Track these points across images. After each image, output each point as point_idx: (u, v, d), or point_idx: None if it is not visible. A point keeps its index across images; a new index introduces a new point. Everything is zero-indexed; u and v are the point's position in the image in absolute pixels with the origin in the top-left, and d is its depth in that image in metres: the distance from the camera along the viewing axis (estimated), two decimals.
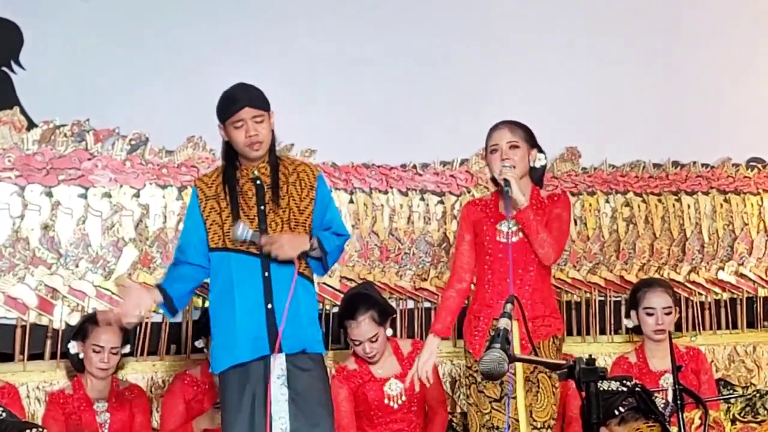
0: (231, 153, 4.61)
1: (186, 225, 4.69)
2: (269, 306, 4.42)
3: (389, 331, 5.61)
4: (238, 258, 4.46)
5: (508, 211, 4.70)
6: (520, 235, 4.84)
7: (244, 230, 4.41)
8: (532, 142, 4.94)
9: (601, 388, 3.55)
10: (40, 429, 4.65)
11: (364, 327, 5.43)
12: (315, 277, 4.65)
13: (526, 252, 4.84)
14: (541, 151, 4.98)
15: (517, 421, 4.67)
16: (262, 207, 4.53)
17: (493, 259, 4.89)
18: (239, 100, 4.52)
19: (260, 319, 4.42)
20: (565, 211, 4.95)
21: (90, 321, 5.32)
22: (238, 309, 4.42)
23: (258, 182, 4.58)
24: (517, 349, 4.65)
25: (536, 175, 5.01)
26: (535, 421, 4.75)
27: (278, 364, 4.42)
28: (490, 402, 4.78)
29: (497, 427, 4.76)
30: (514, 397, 4.69)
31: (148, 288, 4.69)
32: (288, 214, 4.55)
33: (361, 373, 5.47)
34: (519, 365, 4.64)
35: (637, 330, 6.06)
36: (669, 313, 5.88)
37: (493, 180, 5.01)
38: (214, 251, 4.51)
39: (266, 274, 4.44)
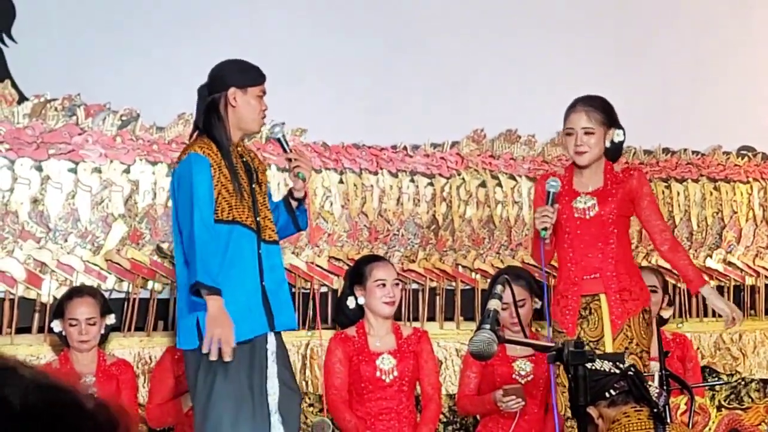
0: (223, 124, 4.58)
1: (206, 195, 4.43)
2: (263, 283, 4.44)
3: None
4: (241, 231, 4.45)
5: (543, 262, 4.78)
6: (597, 209, 4.86)
7: (282, 128, 4.61)
8: (610, 121, 4.94)
9: (593, 367, 3.56)
10: None
11: (390, 267, 5.55)
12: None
13: (604, 225, 4.86)
14: (619, 127, 4.98)
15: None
16: (253, 186, 4.55)
17: (573, 237, 4.90)
18: (263, 73, 4.60)
19: (257, 296, 4.45)
20: (651, 190, 5.05)
21: (65, 298, 5.31)
22: (243, 284, 4.42)
23: (244, 160, 4.59)
24: (607, 326, 4.71)
25: (612, 150, 5.00)
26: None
27: (272, 342, 4.46)
28: None
29: None
30: None
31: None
32: (265, 195, 4.65)
33: (359, 341, 5.47)
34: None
35: None
36: None
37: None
38: (219, 223, 4.43)
39: (259, 251, 4.45)
